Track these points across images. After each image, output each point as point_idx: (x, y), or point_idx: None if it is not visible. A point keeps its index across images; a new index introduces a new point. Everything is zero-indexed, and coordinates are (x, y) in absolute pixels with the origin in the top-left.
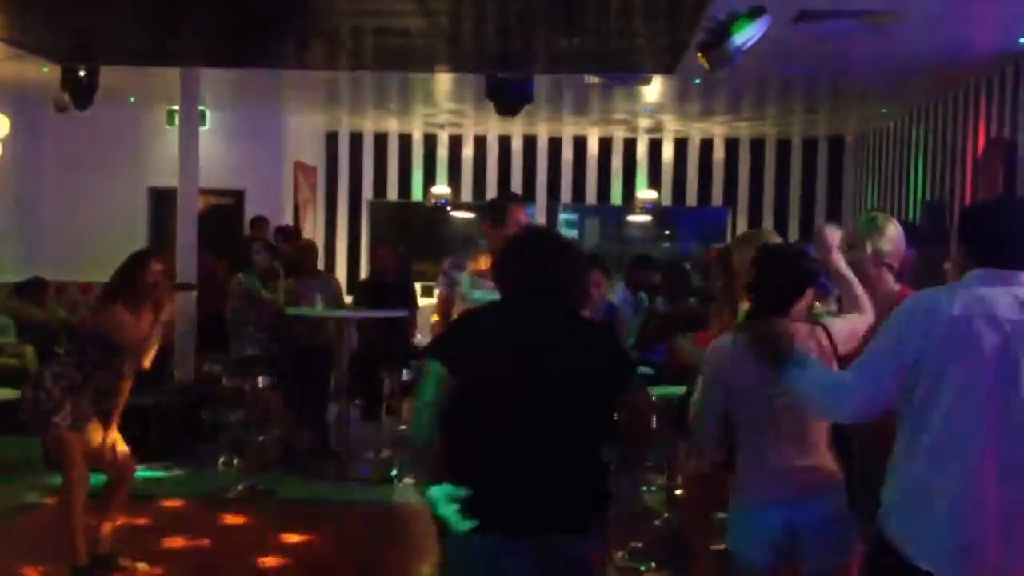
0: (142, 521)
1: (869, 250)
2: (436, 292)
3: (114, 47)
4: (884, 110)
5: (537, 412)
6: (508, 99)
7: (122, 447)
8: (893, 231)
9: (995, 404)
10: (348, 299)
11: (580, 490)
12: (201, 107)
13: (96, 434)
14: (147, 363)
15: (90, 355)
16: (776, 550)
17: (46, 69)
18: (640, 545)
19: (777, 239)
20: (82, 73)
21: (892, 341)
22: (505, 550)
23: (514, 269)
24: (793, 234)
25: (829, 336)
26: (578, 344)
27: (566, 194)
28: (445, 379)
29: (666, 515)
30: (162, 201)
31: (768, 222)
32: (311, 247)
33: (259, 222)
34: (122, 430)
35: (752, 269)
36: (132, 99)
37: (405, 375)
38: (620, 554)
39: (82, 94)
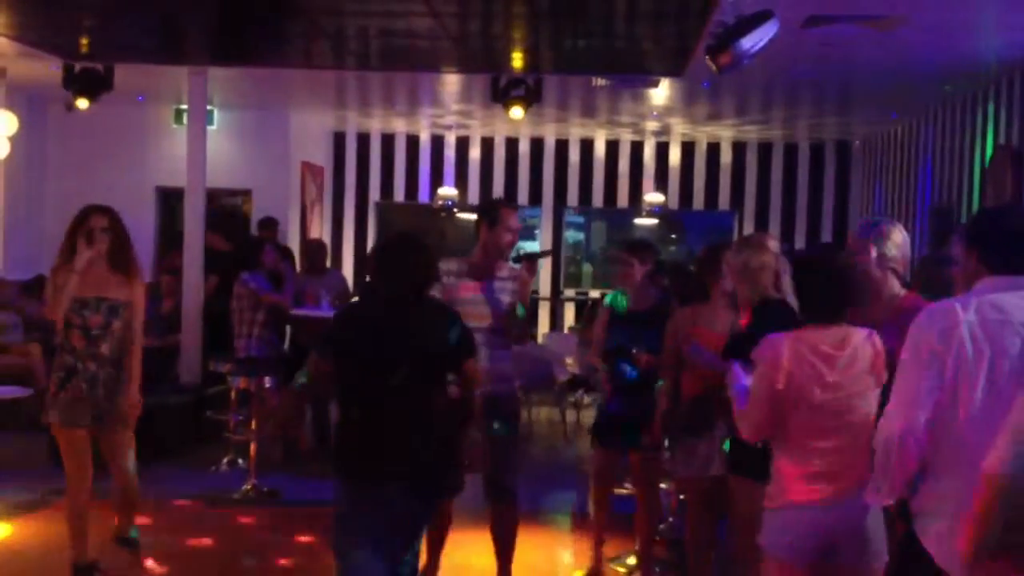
0: (147, 521)
1: (874, 254)
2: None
3: (123, 46)
4: (891, 115)
5: (383, 378)
6: (515, 100)
7: (124, 458)
8: (899, 236)
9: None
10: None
11: (423, 444)
12: (209, 106)
13: (100, 432)
14: (55, 315)
15: (61, 337)
16: (814, 551)
17: (55, 67)
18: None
19: (775, 243)
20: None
21: (923, 367)
22: (360, 496)
23: (377, 267)
24: (800, 239)
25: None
26: (418, 322)
27: (573, 197)
28: (318, 363)
29: (670, 519)
30: (170, 200)
31: (775, 226)
32: (321, 246)
33: (268, 223)
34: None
35: (805, 276)
36: (140, 98)
37: None
38: (624, 559)
39: (89, 92)
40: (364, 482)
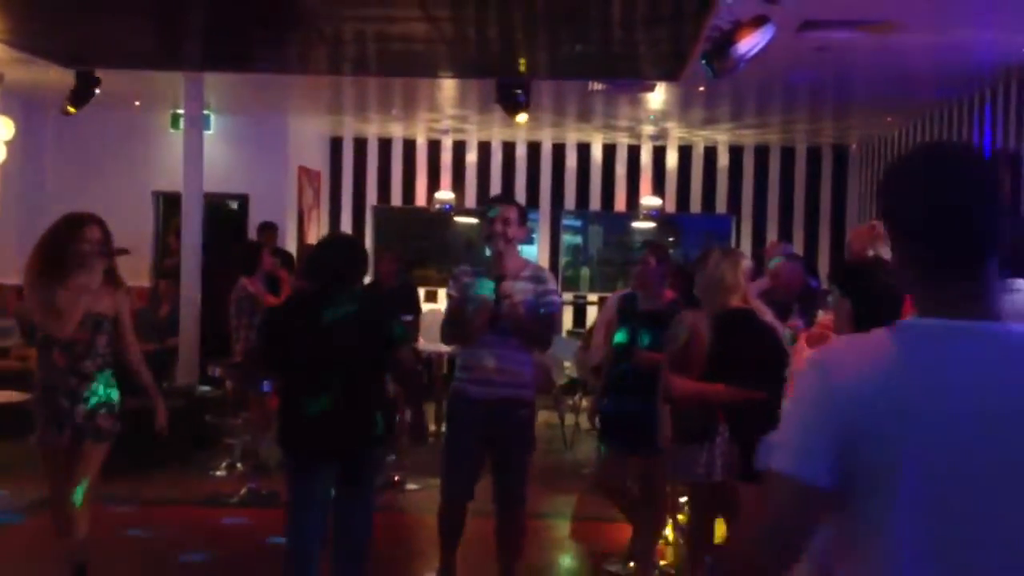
0: (143, 527)
1: (871, 255)
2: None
3: (119, 51)
4: (889, 119)
5: (325, 365)
6: (514, 101)
7: (86, 475)
8: None
9: None
10: None
11: (361, 423)
12: (205, 111)
13: (75, 447)
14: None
15: (37, 343)
16: None
17: (52, 73)
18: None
19: (747, 260)
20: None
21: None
22: (308, 468)
23: (317, 265)
24: (797, 242)
25: None
26: (358, 314)
27: (570, 200)
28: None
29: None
30: (167, 205)
31: (772, 229)
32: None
33: (267, 227)
34: (122, 436)
35: (859, 287)
36: (137, 103)
37: None
38: (627, 563)
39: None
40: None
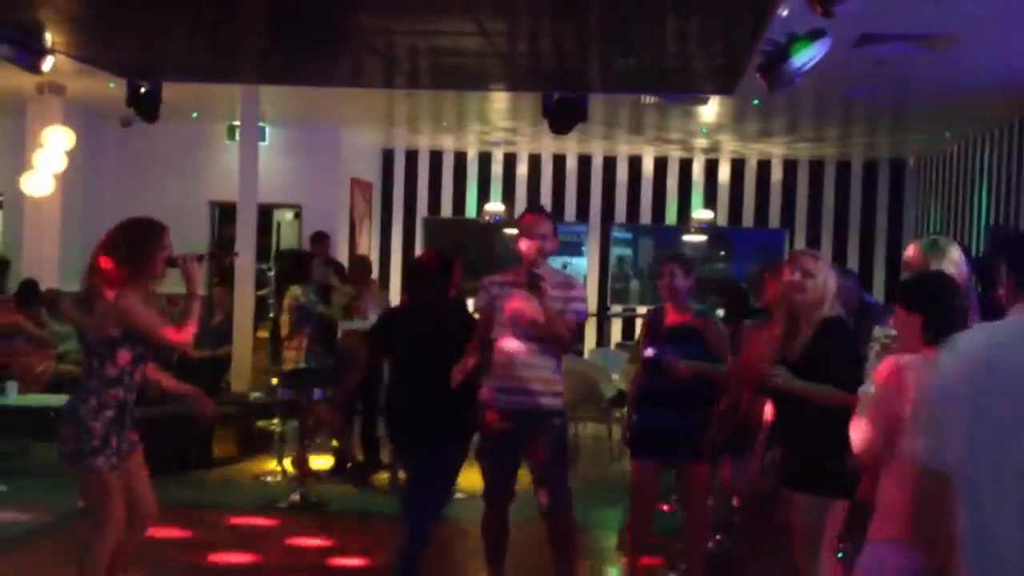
0: (194, 531)
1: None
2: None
3: (177, 63)
4: (947, 134)
5: (416, 362)
6: (562, 118)
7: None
8: (956, 254)
9: None
10: None
11: (446, 414)
12: (261, 123)
13: (135, 465)
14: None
15: (123, 361)
16: None
17: (112, 84)
18: (685, 567)
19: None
20: (143, 89)
21: (943, 404)
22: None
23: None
24: (852, 258)
25: None
26: (442, 316)
27: (620, 213)
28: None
29: (718, 537)
30: (223, 214)
31: (827, 245)
32: (365, 261)
33: (320, 238)
34: (170, 438)
35: (941, 296)
36: (194, 114)
37: None
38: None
39: (147, 108)
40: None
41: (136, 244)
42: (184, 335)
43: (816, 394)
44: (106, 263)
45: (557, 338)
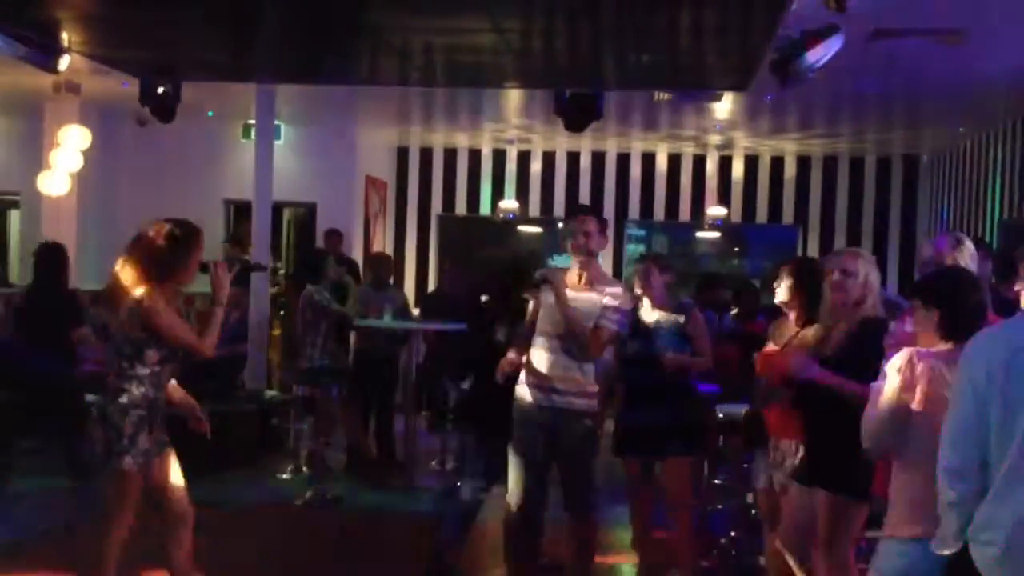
0: (209, 530)
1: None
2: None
3: (193, 63)
4: (961, 129)
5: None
6: (577, 115)
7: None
8: (972, 248)
9: None
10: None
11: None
12: (276, 122)
13: (167, 465)
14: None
15: (152, 361)
16: None
17: (127, 84)
18: (706, 565)
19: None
20: (161, 89)
21: (968, 403)
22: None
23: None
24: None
25: None
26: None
27: (634, 210)
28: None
29: (732, 534)
30: (237, 212)
31: (840, 241)
32: (386, 260)
33: (333, 235)
34: (188, 436)
35: (962, 292)
36: (210, 113)
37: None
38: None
39: (164, 108)
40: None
41: (171, 245)
42: (205, 345)
43: (843, 387)
44: (138, 262)
45: (576, 342)
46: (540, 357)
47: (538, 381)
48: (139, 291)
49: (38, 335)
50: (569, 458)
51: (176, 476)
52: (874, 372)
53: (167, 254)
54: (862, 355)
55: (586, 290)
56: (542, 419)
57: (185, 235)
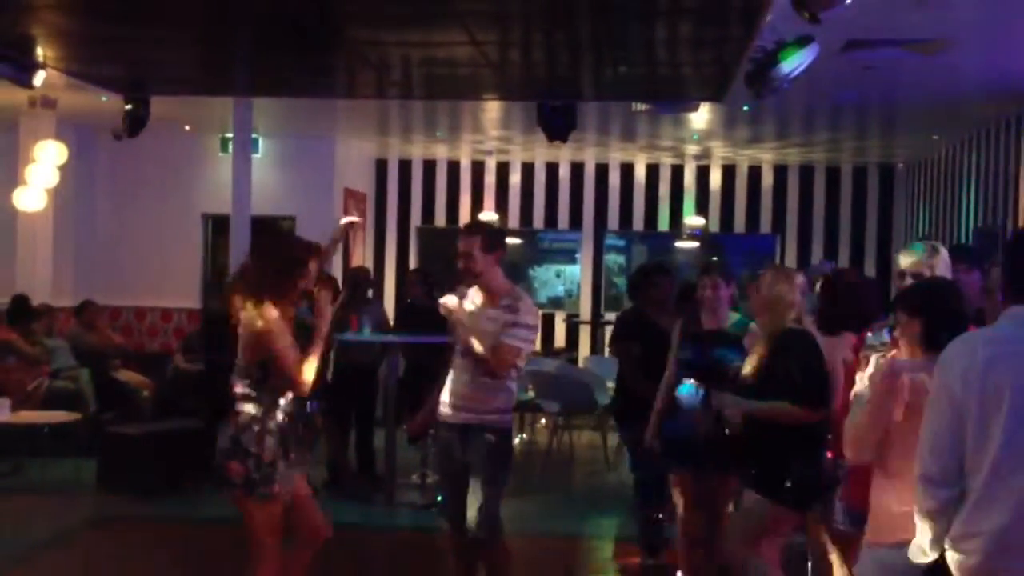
0: (191, 546)
1: (928, 276)
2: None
3: (170, 77)
4: (935, 137)
5: None
6: (558, 125)
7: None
8: (947, 257)
9: None
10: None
11: None
12: (254, 135)
13: (300, 485)
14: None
15: (277, 382)
16: None
17: (104, 98)
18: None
19: (800, 276)
20: (129, 107)
21: (945, 410)
22: None
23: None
24: (843, 262)
25: None
26: None
27: (613, 220)
28: None
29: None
30: (216, 227)
31: (817, 249)
32: (365, 275)
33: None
34: (164, 455)
35: (939, 301)
36: (187, 127)
37: None
38: None
39: (133, 124)
40: None
41: (286, 264)
42: (308, 377)
43: (765, 414)
44: (251, 281)
45: (480, 365)
46: (453, 374)
47: (450, 399)
48: (255, 308)
49: None
50: (475, 474)
51: (307, 494)
52: (794, 386)
53: (278, 272)
54: (775, 371)
55: (491, 307)
56: (450, 435)
57: (297, 255)
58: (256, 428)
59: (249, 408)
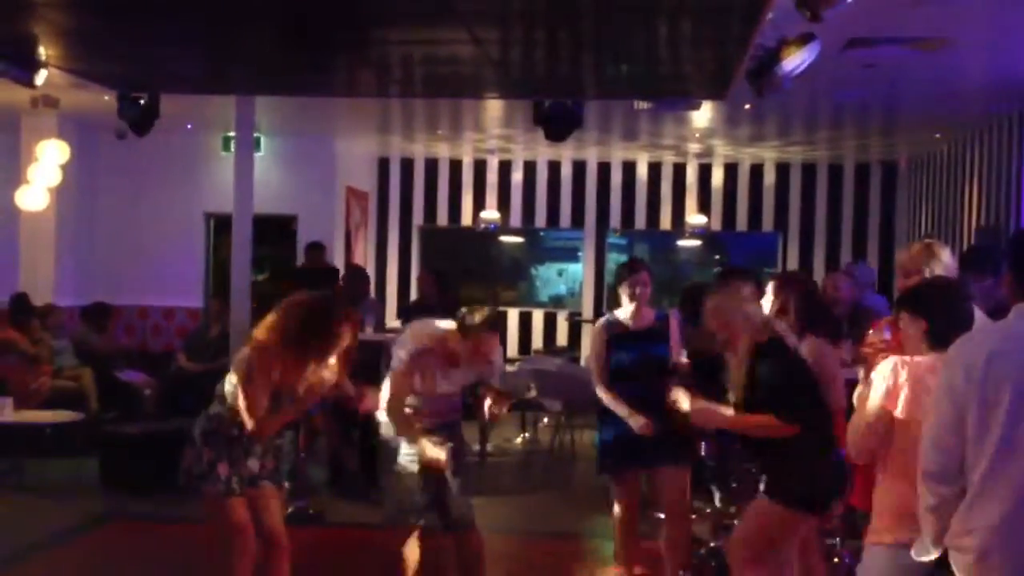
0: (190, 547)
1: (927, 275)
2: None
3: (172, 76)
4: (937, 135)
5: None
6: (557, 124)
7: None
8: (947, 257)
9: None
10: (396, 323)
11: None
12: (256, 134)
13: (267, 499)
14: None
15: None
16: None
17: (107, 97)
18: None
19: (746, 287)
20: (142, 101)
21: (949, 406)
22: None
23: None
24: (845, 260)
25: None
26: None
27: (615, 219)
28: None
29: (712, 544)
30: (218, 226)
31: (820, 247)
32: (361, 274)
33: (314, 247)
34: (166, 455)
35: (944, 299)
36: (189, 126)
37: None
38: None
39: (142, 121)
40: None
41: (309, 334)
42: (258, 429)
43: (742, 426)
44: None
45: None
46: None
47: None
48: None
49: None
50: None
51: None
52: (774, 396)
53: (302, 338)
54: (753, 381)
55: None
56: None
57: (323, 325)
58: (212, 425)
59: (215, 406)
